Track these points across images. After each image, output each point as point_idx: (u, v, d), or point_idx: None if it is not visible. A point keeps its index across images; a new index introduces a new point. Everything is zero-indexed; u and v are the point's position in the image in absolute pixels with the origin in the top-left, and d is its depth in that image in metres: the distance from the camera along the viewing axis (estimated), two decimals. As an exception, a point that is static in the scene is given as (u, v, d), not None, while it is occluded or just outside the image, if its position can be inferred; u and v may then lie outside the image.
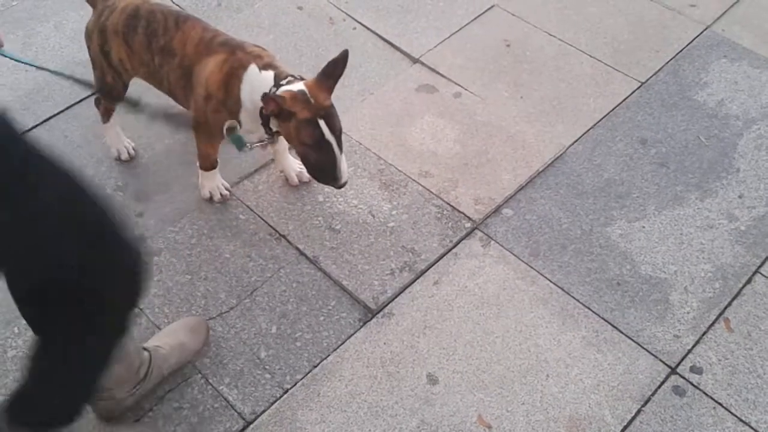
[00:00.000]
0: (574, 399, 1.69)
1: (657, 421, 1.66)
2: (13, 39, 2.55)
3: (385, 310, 1.85)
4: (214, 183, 2.05)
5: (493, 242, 2.00)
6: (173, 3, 2.69)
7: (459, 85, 2.42)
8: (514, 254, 1.97)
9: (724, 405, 1.69)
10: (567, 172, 2.18)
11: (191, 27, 1.80)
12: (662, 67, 2.50)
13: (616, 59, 2.52)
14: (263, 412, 1.66)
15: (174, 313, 1.82)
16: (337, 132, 1.67)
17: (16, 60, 1.57)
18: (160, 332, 1.74)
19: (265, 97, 1.62)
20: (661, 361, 1.76)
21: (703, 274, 1.94)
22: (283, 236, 1.99)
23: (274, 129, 1.74)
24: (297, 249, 1.97)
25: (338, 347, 1.78)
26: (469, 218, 2.05)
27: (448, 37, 2.59)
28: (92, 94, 2.23)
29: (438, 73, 2.46)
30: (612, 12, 2.70)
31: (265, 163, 2.17)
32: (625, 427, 1.65)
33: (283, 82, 1.67)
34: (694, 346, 1.79)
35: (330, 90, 1.68)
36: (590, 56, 2.53)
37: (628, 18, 2.68)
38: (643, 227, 2.04)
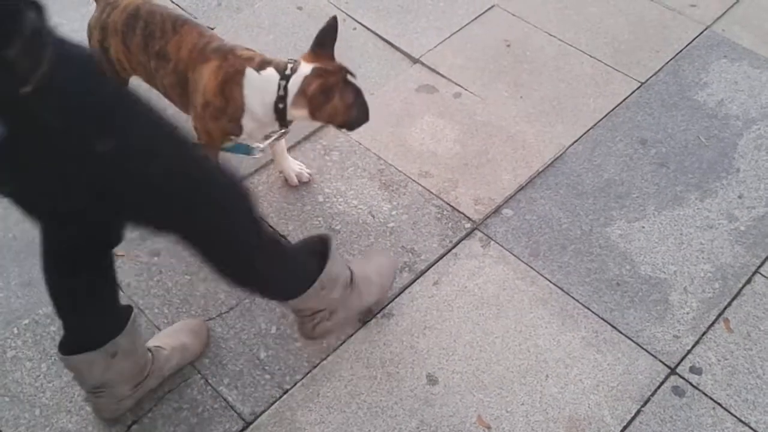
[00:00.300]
0: (574, 399, 1.69)
1: (656, 422, 1.66)
2: (13, 39, 2.55)
3: (385, 310, 1.85)
4: None
5: (492, 242, 2.00)
6: (173, 3, 2.69)
7: (459, 85, 2.42)
8: (513, 254, 1.97)
9: (724, 405, 1.69)
10: (567, 172, 2.18)
11: (187, 32, 1.79)
12: (662, 67, 2.50)
13: (616, 59, 2.52)
14: (263, 412, 1.66)
15: (173, 314, 1.82)
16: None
17: None
18: (160, 333, 1.74)
19: (308, 79, 1.68)
20: (660, 361, 1.76)
21: (702, 275, 1.94)
22: (283, 236, 1.99)
23: (290, 118, 1.75)
24: (297, 249, 1.97)
25: (338, 347, 1.78)
26: (469, 218, 2.05)
27: (448, 37, 2.59)
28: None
29: (438, 73, 2.46)
30: (612, 12, 2.70)
31: (265, 163, 2.17)
32: (625, 428, 1.65)
33: (288, 69, 1.70)
34: (693, 347, 1.79)
35: (331, 56, 1.75)
36: (590, 56, 2.53)
37: (629, 18, 2.68)
38: (643, 227, 2.04)
